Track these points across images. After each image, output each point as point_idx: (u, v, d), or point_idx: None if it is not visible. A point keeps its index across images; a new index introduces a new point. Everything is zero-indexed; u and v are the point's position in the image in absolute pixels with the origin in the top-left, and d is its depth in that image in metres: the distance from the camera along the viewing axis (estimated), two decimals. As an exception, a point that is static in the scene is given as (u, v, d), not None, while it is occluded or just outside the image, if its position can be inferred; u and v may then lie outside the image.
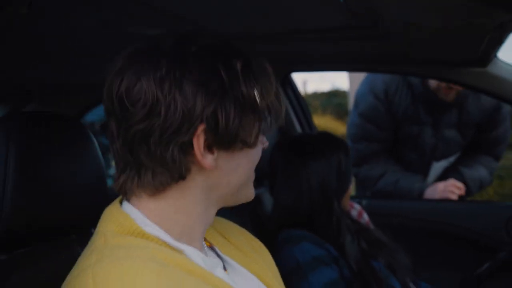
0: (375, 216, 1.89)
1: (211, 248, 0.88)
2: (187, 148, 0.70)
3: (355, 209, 1.82)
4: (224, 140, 0.72)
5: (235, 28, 1.25)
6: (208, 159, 0.72)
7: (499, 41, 1.27)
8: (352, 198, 2.14)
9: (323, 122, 8.50)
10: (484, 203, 2.27)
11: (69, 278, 0.68)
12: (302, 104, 2.16)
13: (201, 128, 0.69)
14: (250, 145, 0.76)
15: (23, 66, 1.38)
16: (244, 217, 1.44)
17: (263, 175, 1.63)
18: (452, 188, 2.13)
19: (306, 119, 2.18)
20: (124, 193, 0.76)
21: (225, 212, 1.10)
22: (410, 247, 1.77)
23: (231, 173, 0.77)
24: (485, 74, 1.55)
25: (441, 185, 2.14)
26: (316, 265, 1.26)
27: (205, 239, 0.87)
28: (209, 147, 0.72)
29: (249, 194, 0.85)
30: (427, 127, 2.22)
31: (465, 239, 1.95)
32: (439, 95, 2.12)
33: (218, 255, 0.88)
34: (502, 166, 5.94)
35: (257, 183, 1.71)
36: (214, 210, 0.82)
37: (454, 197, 2.10)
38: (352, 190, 1.57)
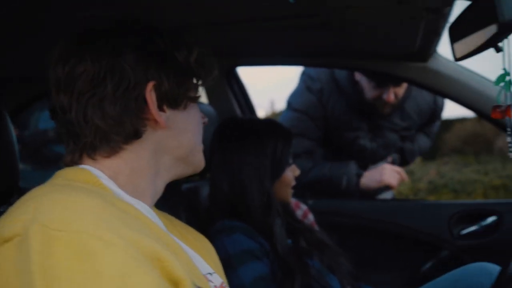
0: (321, 215, 1.91)
1: None
2: (141, 105, 0.81)
3: (301, 209, 1.84)
4: (171, 97, 0.84)
5: (173, 16, 1.26)
6: (162, 117, 0.83)
7: (436, 32, 1.31)
8: (298, 197, 2.16)
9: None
10: (427, 202, 2.31)
11: (14, 205, 0.70)
12: (247, 100, 2.17)
13: (151, 84, 0.81)
14: (194, 99, 0.89)
15: None
16: (178, 211, 1.43)
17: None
18: (393, 173, 2.16)
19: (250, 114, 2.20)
20: (76, 162, 0.82)
21: (158, 204, 1.10)
22: (356, 247, 1.79)
23: (181, 135, 0.87)
24: (426, 69, 1.61)
25: (389, 167, 2.18)
26: (246, 258, 1.27)
27: None
28: (160, 107, 0.83)
29: (198, 161, 0.93)
30: (363, 133, 2.26)
31: (409, 238, 1.99)
32: (376, 108, 2.18)
33: None
34: (457, 181, 6.15)
35: (198, 175, 1.73)
36: (164, 179, 0.89)
37: (394, 182, 2.15)
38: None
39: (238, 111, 2.09)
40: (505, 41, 0.89)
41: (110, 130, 0.79)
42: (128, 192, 0.80)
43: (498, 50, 0.90)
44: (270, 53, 1.73)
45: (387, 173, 2.13)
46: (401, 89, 2.13)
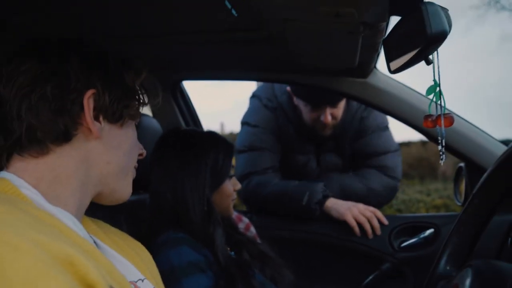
0: (264, 229, 1.93)
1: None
2: (77, 109, 0.82)
3: (243, 222, 1.87)
4: (109, 110, 0.86)
5: (117, 27, 1.26)
6: (96, 126, 0.84)
7: (374, 49, 1.37)
8: (244, 212, 2.18)
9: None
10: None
11: None
12: (192, 114, 2.19)
13: (90, 92, 0.83)
14: (133, 117, 0.92)
15: None
16: (120, 224, 1.42)
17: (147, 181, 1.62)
18: (361, 216, 1.97)
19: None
20: (4, 161, 0.82)
21: (99, 217, 1.10)
22: (299, 261, 1.82)
23: (113, 150, 0.88)
24: (366, 85, 1.67)
25: (361, 207, 2.00)
26: (191, 270, 1.28)
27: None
28: (96, 117, 0.84)
29: (125, 189, 0.94)
30: (312, 155, 2.30)
31: (352, 251, 2.03)
32: (316, 130, 2.20)
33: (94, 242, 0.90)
34: (401, 201, 6.36)
35: (143, 189, 1.72)
36: (90, 193, 0.88)
37: (353, 224, 1.97)
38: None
39: (183, 124, 2.10)
40: (435, 53, 0.94)
41: (41, 129, 0.80)
42: (49, 200, 0.79)
43: (429, 62, 0.95)
44: (215, 67, 1.76)
45: (353, 212, 1.98)
46: (339, 110, 2.15)
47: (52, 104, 0.80)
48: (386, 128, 2.29)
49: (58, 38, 0.88)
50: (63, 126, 0.81)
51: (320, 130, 2.20)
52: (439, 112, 0.98)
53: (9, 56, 0.83)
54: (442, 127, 0.97)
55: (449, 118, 0.97)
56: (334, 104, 2.11)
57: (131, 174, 0.96)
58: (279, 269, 1.54)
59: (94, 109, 0.84)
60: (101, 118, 0.86)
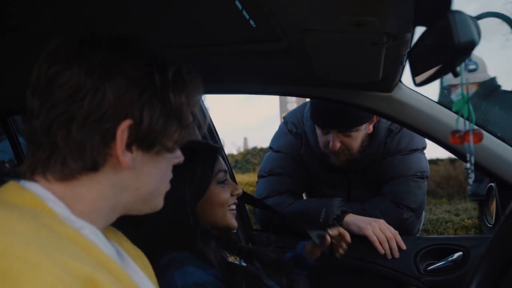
0: (282, 250, 1.90)
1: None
2: (109, 139, 0.76)
3: None
4: (145, 140, 0.79)
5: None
6: (127, 157, 0.77)
7: (399, 61, 1.34)
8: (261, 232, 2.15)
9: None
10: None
11: None
12: (210, 126, 2.18)
13: (127, 123, 0.75)
14: (169, 150, 0.83)
15: None
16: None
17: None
18: (381, 234, 1.93)
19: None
20: (28, 176, 0.78)
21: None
22: (320, 283, 1.78)
23: (143, 177, 0.83)
24: (391, 99, 1.63)
25: (382, 224, 1.95)
26: None
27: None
28: (128, 146, 0.78)
29: (156, 204, 0.90)
30: (340, 189, 2.23)
31: (376, 274, 1.98)
32: (329, 158, 2.12)
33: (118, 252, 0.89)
34: (428, 220, 6.26)
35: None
36: (119, 212, 0.85)
37: (374, 238, 1.92)
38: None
39: (199, 137, 2.09)
40: (463, 65, 0.91)
41: (68, 154, 0.75)
42: (76, 212, 0.77)
43: (456, 74, 0.92)
44: (233, 80, 1.74)
45: (374, 228, 1.93)
46: (352, 140, 2.03)
47: (83, 130, 0.74)
48: (411, 151, 2.12)
49: (110, 37, 0.80)
50: (90, 156, 0.76)
51: (332, 158, 2.12)
52: (467, 128, 0.95)
53: (49, 58, 0.77)
54: (470, 143, 0.93)
55: (478, 134, 0.93)
56: (341, 129, 2.00)
57: (164, 190, 0.90)
58: (296, 278, 1.49)
59: (128, 138, 0.77)
60: (134, 148, 0.79)
